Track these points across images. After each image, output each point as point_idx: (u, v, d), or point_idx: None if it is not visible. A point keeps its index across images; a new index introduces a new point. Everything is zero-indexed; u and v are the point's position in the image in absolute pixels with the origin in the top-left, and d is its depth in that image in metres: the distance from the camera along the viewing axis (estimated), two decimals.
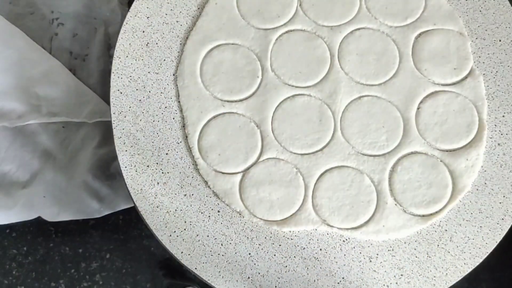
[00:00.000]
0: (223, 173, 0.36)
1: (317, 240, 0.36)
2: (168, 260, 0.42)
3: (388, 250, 0.36)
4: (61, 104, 0.40)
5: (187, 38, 0.39)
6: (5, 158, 0.39)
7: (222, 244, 0.35)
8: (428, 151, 0.38)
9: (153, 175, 0.36)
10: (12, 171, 0.39)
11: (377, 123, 0.38)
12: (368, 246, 0.36)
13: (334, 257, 0.36)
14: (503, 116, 0.39)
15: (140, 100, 0.37)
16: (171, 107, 0.38)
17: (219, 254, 0.35)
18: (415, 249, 0.36)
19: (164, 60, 0.38)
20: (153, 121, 0.37)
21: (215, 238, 0.35)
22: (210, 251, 0.35)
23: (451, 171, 0.37)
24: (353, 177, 0.37)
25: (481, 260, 0.36)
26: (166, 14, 0.39)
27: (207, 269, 0.34)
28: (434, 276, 0.35)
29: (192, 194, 0.36)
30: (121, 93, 0.37)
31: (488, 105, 0.39)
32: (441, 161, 0.37)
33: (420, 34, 0.40)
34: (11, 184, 0.39)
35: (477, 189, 0.37)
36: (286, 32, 0.39)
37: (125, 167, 0.36)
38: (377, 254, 0.36)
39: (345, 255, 0.36)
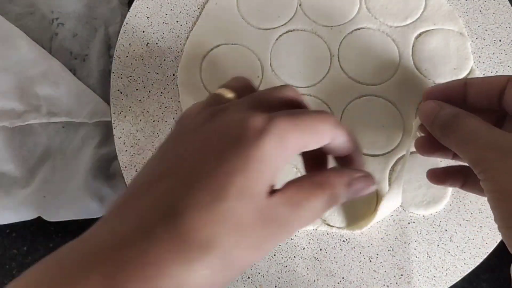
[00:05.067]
0: None
1: (317, 240, 0.36)
2: None
3: (388, 250, 0.36)
4: (61, 104, 0.40)
5: (187, 38, 0.39)
6: (5, 158, 0.39)
7: None
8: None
9: None
10: (11, 171, 0.39)
11: (377, 123, 0.38)
12: (368, 246, 0.36)
13: (334, 257, 0.36)
14: None
15: (140, 100, 0.37)
16: (171, 107, 0.38)
17: None
18: (415, 249, 0.36)
19: (164, 60, 0.38)
20: (153, 121, 0.37)
21: None
22: None
23: None
24: None
25: (481, 260, 0.36)
26: (166, 14, 0.39)
27: None
28: (434, 276, 0.35)
29: None
30: (121, 93, 0.37)
31: None
32: (441, 161, 0.37)
33: (420, 34, 0.40)
34: (10, 184, 0.39)
35: None
36: (286, 32, 0.39)
37: (125, 167, 0.36)
38: (377, 254, 0.36)
39: (345, 255, 0.36)
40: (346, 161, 0.25)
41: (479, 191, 0.28)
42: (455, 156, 0.31)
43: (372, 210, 0.36)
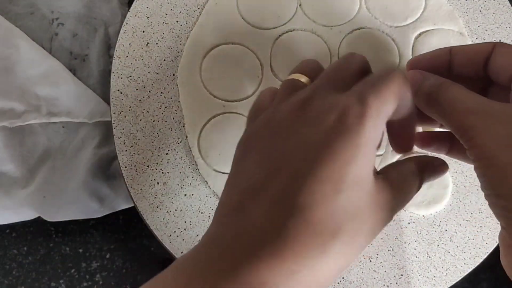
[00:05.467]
0: (223, 173, 0.36)
1: None
2: (168, 260, 0.42)
3: (388, 250, 0.36)
4: (61, 104, 0.40)
5: (187, 38, 0.39)
6: (5, 158, 0.39)
7: None
8: (428, 151, 0.37)
9: (153, 175, 0.36)
10: (11, 171, 0.39)
11: None
12: (368, 246, 0.36)
13: None
14: None
15: (140, 100, 0.37)
16: (171, 107, 0.38)
17: None
18: (415, 249, 0.36)
19: (164, 60, 0.38)
20: (153, 121, 0.37)
21: None
22: None
23: (452, 171, 0.37)
24: None
25: (481, 260, 0.36)
26: (166, 14, 0.39)
27: None
28: (434, 276, 0.35)
29: (192, 194, 0.36)
30: (121, 93, 0.37)
31: None
32: None
33: (420, 34, 0.40)
34: (10, 184, 0.39)
35: (477, 189, 0.37)
36: (286, 32, 0.39)
37: (125, 167, 0.36)
38: (377, 254, 0.36)
39: None
40: (401, 130, 0.26)
41: (465, 158, 0.28)
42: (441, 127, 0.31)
43: None
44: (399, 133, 0.26)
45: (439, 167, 0.26)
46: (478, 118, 0.22)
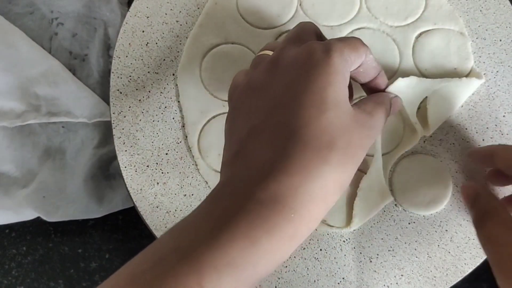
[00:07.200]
0: None
1: (317, 240, 0.36)
2: None
3: (389, 251, 0.36)
4: (60, 104, 0.40)
5: (186, 37, 0.39)
6: (4, 158, 0.39)
7: None
8: (429, 151, 0.37)
9: (153, 175, 0.36)
10: (11, 171, 0.39)
11: None
12: (369, 247, 0.36)
13: (334, 257, 0.36)
14: (504, 116, 0.39)
15: (140, 100, 0.37)
16: (171, 107, 0.38)
17: None
18: (415, 249, 0.36)
19: (164, 60, 0.38)
20: (153, 121, 0.37)
21: None
22: None
23: (452, 171, 0.37)
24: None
25: (481, 261, 0.36)
26: (166, 14, 0.39)
27: None
28: (435, 277, 0.35)
29: (192, 194, 0.36)
30: (121, 93, 0.37)
31: (488, 105, 0.39)
32: (441, 161, 0.37)
33: (420, 34, 0.40)
34: (10, 184, 0.39)
35: None
36: (286, 31, 0.39)
37: (125, 167, 0.36)
38: (377, 255, 0.36)
39: (345, 255, 0.36)
40: (374, 87, 0.30)
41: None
42: None
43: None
44: (372, 85, 0.30)
45: (394, 99, 0.30)
46: (506, 279, 0.25)
